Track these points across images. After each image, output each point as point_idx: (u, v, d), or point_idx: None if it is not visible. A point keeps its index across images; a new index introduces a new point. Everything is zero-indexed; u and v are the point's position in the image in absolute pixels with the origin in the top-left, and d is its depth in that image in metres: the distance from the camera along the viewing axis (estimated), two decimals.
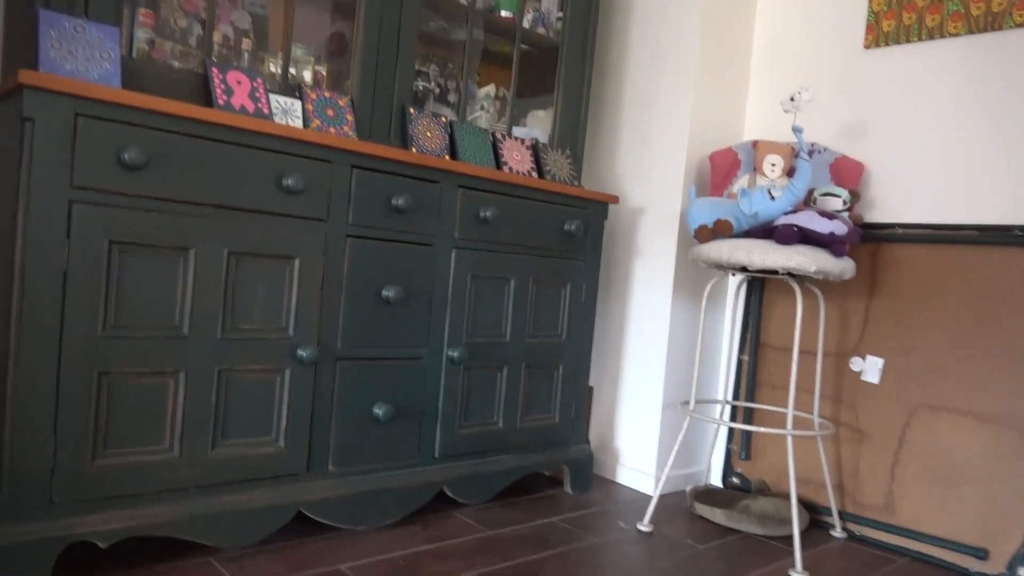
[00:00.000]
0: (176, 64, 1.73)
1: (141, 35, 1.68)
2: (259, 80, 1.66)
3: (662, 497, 2.29)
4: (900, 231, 2.10)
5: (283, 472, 1.62)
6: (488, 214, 1.93)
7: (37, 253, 1.30)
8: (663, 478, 2.03)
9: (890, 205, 2.17)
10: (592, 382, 2.54)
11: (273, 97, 1.70)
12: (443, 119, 1.99)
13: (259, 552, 1.59)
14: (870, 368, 2.13)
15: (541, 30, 2.28)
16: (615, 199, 2.25)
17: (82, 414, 1.36)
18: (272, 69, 1.92)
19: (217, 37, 1.86)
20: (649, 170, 2.42)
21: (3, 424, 1.30)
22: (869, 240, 2.15)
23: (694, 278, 2.39)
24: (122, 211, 1.39)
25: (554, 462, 2.17)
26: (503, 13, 2.19)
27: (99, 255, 1.37)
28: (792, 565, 1.82)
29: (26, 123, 1.29)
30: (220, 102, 1.59)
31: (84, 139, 1.34)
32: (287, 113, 1.71)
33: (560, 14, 2.31)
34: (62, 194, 1.32)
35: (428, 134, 1.94)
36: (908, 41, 2.15)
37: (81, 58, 1.41)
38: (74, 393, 1.35)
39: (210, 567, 1.50)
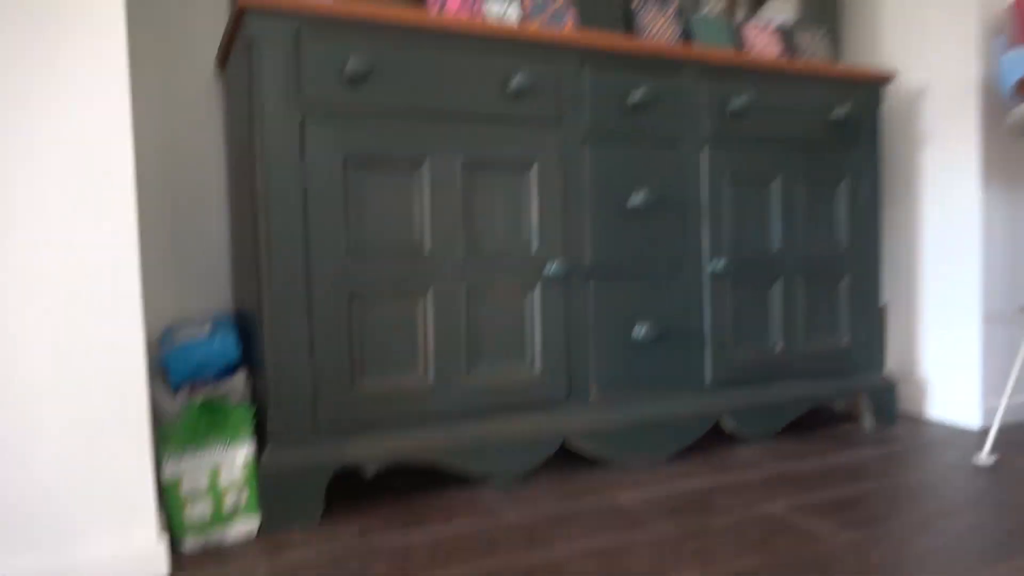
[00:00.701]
0: None
1: None
2: None
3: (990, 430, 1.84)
4: None
5: (542, 399, 1.47)
6: (739, 105, 1.65)
7: (276, 174, 1.26)
8: (1003, 403, 1.60)
9: None
10: (883, 299, 2.13)
11: (487, 4, 1.57)
12: (674, 5, 1.74)
13: (525, 486, 1.45)
14: None
15: None
16: (890, 77, 1.85)
17: (337, 338, 1.30)
18: None
19: None
20: (927, 40, 1.97)
21: (264, 351, 1.27)
22: None
23: (1008, 160, 1.90)
24: (352, 126, 1.31)
25: (850, 391, 1.82)
26: None
27: (335, 172, 1.30)
28: None
29: (252, 45, 1.26)
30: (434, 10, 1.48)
31: (308, 55, 1.28)
32: (502, 18, 1.57)
33: None
34: (293, 113, 1.27)
35: (659, 24, 1.70)
36: None
37: None
38: (327, 316, 1.30)
39: (476, 497, 1.38)
